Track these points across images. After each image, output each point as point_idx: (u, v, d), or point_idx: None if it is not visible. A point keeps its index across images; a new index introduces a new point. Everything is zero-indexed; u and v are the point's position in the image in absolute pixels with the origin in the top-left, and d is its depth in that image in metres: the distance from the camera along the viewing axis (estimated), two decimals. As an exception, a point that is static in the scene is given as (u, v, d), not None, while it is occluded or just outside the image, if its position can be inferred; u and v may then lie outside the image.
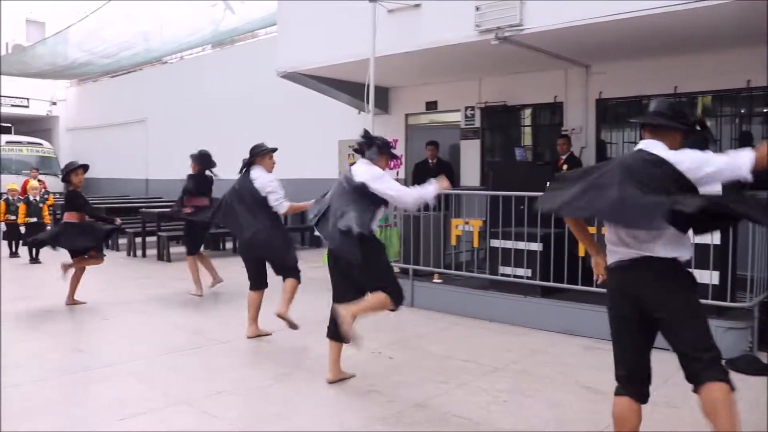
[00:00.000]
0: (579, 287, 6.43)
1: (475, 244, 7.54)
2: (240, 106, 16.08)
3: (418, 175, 9.76)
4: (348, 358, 5.07)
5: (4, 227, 12.34)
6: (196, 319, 7.25)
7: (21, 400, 4.58)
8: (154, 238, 12.38)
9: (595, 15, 6.85)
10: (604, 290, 3.29)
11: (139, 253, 12.47)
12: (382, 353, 5.38)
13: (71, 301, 7.85)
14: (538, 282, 6.79)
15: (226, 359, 5.64)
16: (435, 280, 7.78)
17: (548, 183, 3.50)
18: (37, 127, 25.42)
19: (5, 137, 22.25)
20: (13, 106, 23.90)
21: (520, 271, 6.93)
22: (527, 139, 10.71)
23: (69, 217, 7.72)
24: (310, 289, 8.64)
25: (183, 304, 8.01)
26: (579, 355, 5.69)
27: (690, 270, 3.21)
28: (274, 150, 6.25)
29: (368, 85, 8.20)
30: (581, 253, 6.32)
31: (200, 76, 17.88)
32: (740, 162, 2.93)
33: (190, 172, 8.65)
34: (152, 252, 12.36)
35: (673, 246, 3.07)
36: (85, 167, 7.81)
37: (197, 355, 5.79)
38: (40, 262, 11.55)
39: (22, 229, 11.95)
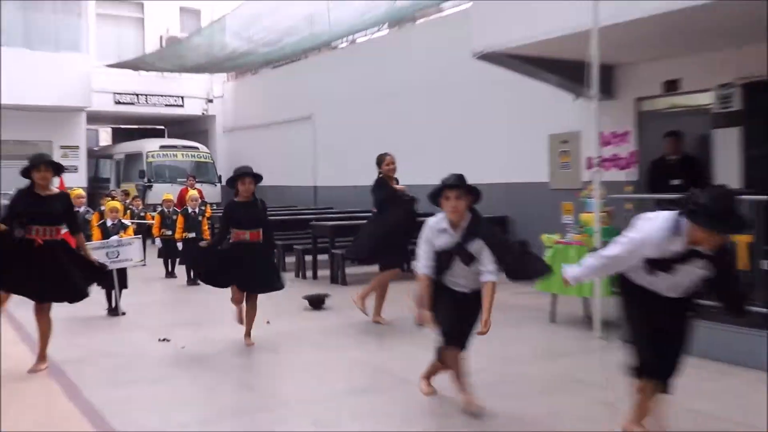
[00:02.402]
0: None
1: (742, 266, 7.04)
2: (425, 96, 16.28)
3: (656, 177, 9.36)
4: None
5: (159, 243, 13.14)
6: (379, 353, 7.43)
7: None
8: (325, 256, 12.75)
9: None
10: None
11: (309, 273, 12.98)
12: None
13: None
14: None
15: (418, 404, 5.70)
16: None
17: None
18: (191, 128, 27.40)
19: (159, 141, 24.15)
20: (167, 105, 25.53)
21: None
22: (808, 125, 9.94)
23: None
24: (516, 321, 8.58)
25: (362, 336, 8.27)
26: None
27: None
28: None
29: (589, 64, 8.00)
30: None
31: (376, 63, 18.32)
32: None
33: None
34: (324, 273, 12.73)
35: None
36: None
37: (383, 397, 5.92)
38: (198, 284, 12.30)
39: (179, 246, 12.50)
